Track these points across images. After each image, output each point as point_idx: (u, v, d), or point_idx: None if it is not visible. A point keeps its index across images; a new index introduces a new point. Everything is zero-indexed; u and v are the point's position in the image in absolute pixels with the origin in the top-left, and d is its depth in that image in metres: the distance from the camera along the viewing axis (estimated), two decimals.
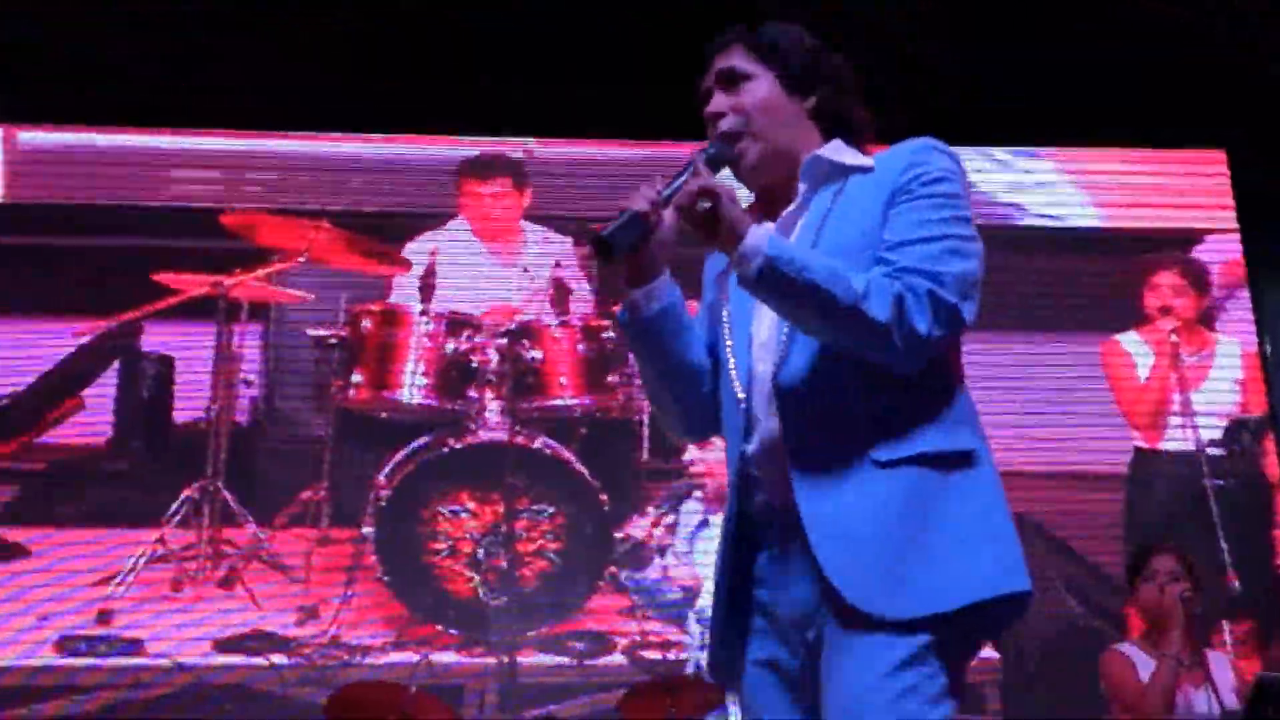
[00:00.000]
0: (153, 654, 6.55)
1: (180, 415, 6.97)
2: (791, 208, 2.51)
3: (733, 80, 2.53)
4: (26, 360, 6.92)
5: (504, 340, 7.04)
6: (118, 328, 6.99)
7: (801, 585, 2.39)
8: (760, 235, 2.30)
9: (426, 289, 7.20)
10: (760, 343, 2.48)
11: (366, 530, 6.83)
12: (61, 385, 6.91)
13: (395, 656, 6.67)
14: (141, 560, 6.64)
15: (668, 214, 2.42)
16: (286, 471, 6.95)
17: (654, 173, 2.39)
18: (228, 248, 7.14)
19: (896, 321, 2.28)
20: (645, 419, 7.08)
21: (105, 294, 7.03)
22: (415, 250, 7.29)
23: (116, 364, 6.99)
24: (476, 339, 7.06)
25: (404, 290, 7.21)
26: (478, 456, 6.88)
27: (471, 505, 6.87)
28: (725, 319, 2.56)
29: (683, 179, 2.38)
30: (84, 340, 6.97)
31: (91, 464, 6.83)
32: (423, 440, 6.92)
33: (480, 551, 6.82)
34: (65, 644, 6.51)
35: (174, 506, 6.75)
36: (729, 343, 2.53)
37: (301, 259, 7.13)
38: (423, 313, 7.07)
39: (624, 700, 5.69)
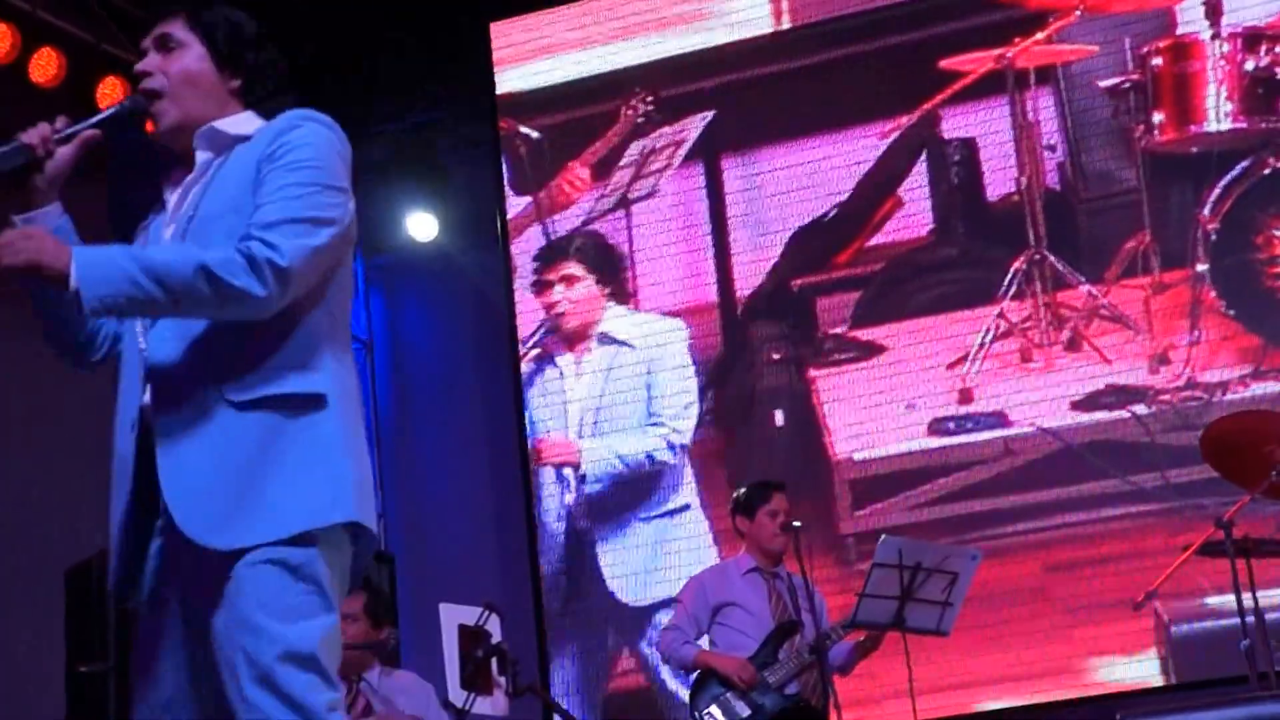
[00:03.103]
0: (1016, 422, 6.84)
1: (992, 192, 7.13)
2: (191, 176, 2.69)
3: (167, 45, 2.71)
4: (844, 171, 7.31)
5: None
6: (917, 121, 7.22)
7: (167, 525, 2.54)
8: (76, 278, 2.43)
9: (1212, 10, 6.87)
10: None
11: (1200, 268, 6.72)
12: (879, 187, 7.26)
13: (1257, 388, 6.56)
14: (988, 337, 6.92)
15: (63, 151, 2.60)
16: (1106, 226, 6.95)
17: None
18: (1003, 19, 7.16)
19: (226, 289, 2.45)
20: None
21: (899, 92, 7.28)
22: None
23: (923, 156, 7.24)
24: (1279, 49, 6.69)
25: (1190, 16, 6.92)
26: None
27: None
28: None
29: (84, 124, 2.61)
30: (890, 140, 7.27)
31: (923, 255, 7.16)
32: (1242, 165, 6.69)
33: None
34: (935, 425, 6.94)
35: (1006, 280, 6.96)
36: None
37: (1078, 12, 7.04)
38: (1214, 35, 6.78)
39: None
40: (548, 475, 7.44)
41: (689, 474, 7.29)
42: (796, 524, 5.57)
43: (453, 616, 5.44)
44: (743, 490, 5.92)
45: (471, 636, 5.35)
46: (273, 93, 2.77)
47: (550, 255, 7.68)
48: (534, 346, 7.56)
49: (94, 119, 2.65)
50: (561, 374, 7.50)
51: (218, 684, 2.48)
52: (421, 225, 8.16)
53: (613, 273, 7.57)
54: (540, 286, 7.64)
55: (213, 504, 2.47)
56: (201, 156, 2.69)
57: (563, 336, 7.54)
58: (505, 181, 7.84)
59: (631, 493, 7.34)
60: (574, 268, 7.61)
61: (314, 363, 2.58)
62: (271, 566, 2.47)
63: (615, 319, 7.49)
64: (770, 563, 5.78)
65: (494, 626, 5.44)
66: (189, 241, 2.59)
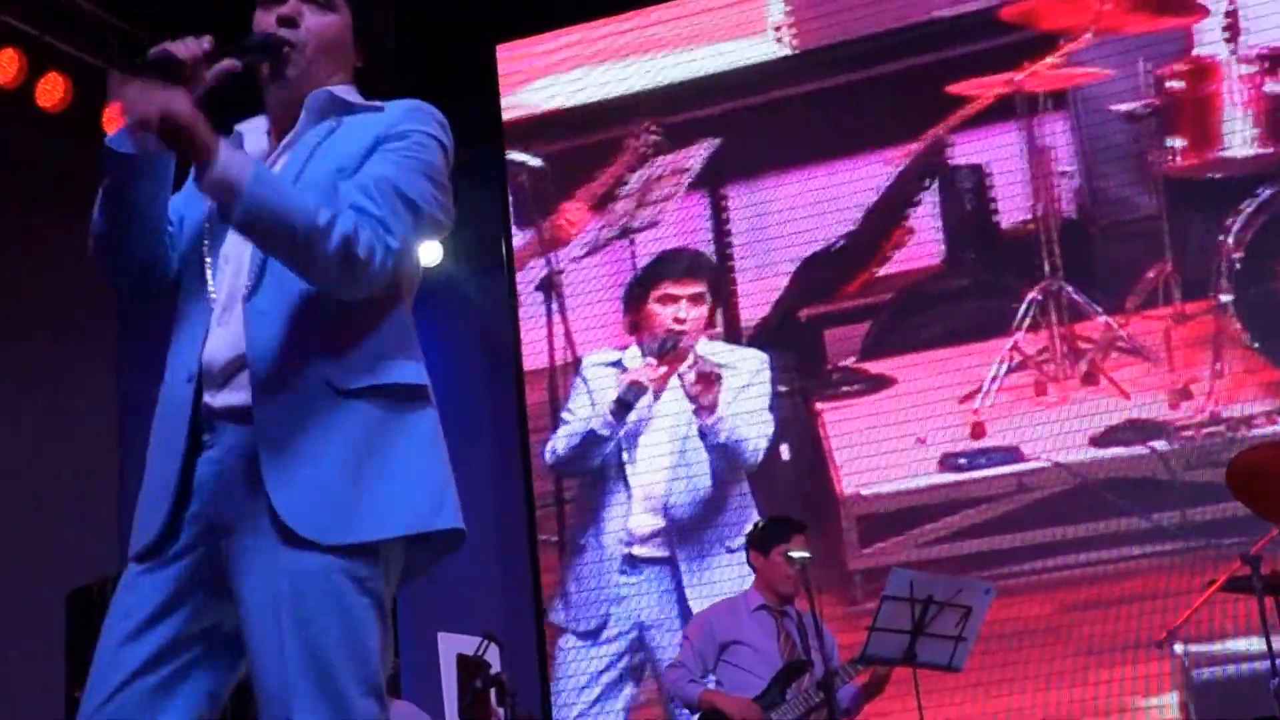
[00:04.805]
0: (1030, 458, 6.61)
1: (1005, 220, 6.95)
2: (290, 136, 2.56)
3: (317, 0, 2.58)
4: (852, 199, 7.14)
5: None
6: (926, 148, 7.05)
7: (234, 496, 2.41)
8: (237, 171, 2.29)
9: (1232, 30, 6.69)
10: (236, 247, 2.51)
11: (1224, 298, 6.51)
12: (887, 216, 7.09)
13: None
14: (1002, 370, 6.72)
15: (206, 76, 2.41)
16: (1125, 254, 6.75)
17: None
18: (1013, 41, 7.00)
19: (340, 256, 2.33)
20: None
21: (907, 118, 7.12)
22: None
23: (933, 183, 7.06)
24: None
25: (1208, 38, 6.73)
26: None
27: None
28: (209, 215, 2.54)
29: (231, 56, 2.43)
30: (899, 167, 7.09)
31: (934, 285, 6.97)
32: (1267, 191, 6.48)
33: None
34: (946, 460, 6.72)
35: (1020, 311, 6.76)
36: (206, 242, 2.54)
37: (1090, 34, 6.87)
38: (1234, 56, 6.60)
39: None
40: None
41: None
42: (802, 555, 5.34)
43: (452, 646, 5.31)
44: (761, 524, 5.75)
45: (470, 666, 5.22)
46: (375, 80, 2.68)
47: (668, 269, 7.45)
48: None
49: (239, 48, 2.49)
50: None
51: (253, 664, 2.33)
52: (426, 252, 8.04)
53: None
54: (665, 300, 7.39)
55: (318, 497, 2.35)
56: (305, 118, 2.57)
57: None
58: (511, 209, 7.71)
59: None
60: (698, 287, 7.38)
61: (413, 353, 2.49)
62: (344, 577, 2.34)
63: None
64: (779, 601, 5.60)
65: (493, 656, 5.32)
66: None
